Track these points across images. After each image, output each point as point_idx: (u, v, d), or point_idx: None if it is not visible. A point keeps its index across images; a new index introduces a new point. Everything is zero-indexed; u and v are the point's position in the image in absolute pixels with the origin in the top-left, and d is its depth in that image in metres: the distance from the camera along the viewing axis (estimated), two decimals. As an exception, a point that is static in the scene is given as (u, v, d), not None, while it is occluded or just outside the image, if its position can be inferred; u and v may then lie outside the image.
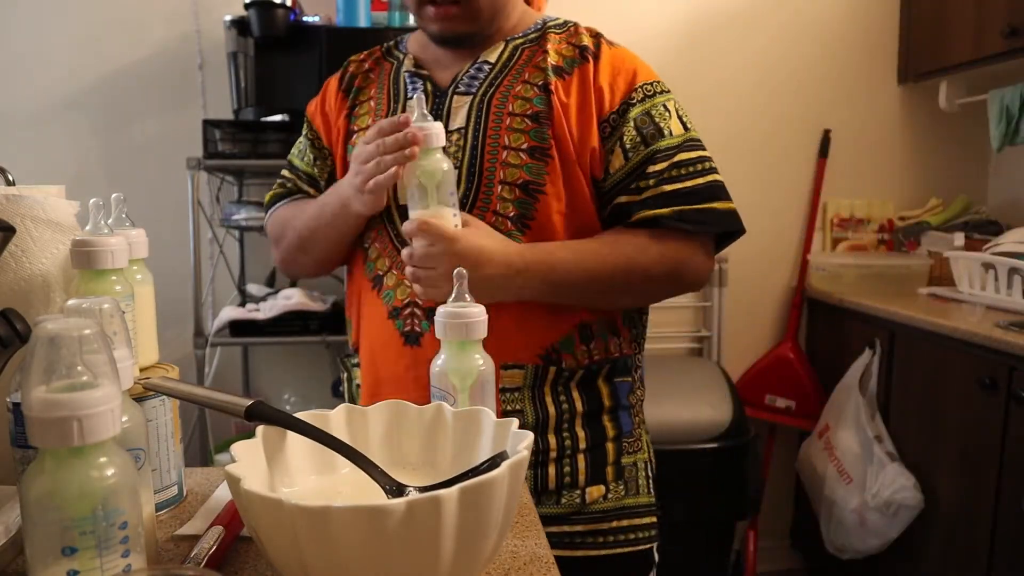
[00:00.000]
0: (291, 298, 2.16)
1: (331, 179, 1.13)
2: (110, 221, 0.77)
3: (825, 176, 2.57)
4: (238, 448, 0.59)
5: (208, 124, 2.06)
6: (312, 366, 2.46)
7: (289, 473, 0.64)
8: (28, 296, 0.72)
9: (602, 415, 1.02)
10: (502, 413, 0.95)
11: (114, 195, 0.80)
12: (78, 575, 0.46)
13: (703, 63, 2.51)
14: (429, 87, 1.05)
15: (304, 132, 1.20)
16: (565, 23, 1.07)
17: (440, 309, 0.75)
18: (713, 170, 1.00)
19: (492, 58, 1.04)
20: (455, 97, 1.03)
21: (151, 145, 2.39)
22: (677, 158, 0.98)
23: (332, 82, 1.18)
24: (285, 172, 1.22)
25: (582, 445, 0.99)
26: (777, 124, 2.56)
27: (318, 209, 1.08)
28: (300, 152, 1.19)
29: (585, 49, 1.02)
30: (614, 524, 1.00)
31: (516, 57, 1.04)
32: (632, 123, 0.99)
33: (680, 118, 1.01)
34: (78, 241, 0.69)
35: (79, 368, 0.46)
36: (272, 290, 2.32)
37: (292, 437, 0.64)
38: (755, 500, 2.20)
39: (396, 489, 0.60)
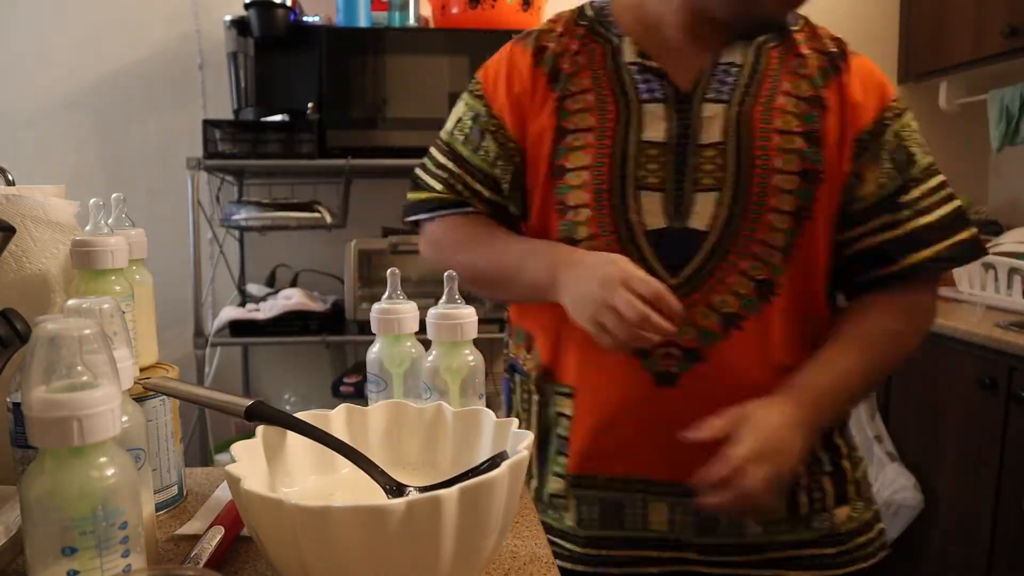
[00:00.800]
0: (291, 298, 2.17)
1: (515, 179, 0.94)
2: (110, 221, 0.77)
3: (825, 176, 2.56)
4: (238, 448, 0.59)
5: (208, 124, 2.06)
6: (312, 366, 2.46)
7: (289, 473, 0.64)
8: (28, 296, 0.72)
9: (833, 433, 0.94)
10: None
11: (114, 195, 0.80)
12: (78, 575, 0.46)
13: (703, 63, 2.51)
14: (670, 90, 0.89)
15: (475, 114, 0.96)
16: (797, 19, 0.93)
17: (431, 311, 0.74)
18: (953, 196, 0.92)
19: (737, 59, 0.89)
20: (704, 105, 0.87)
21: (151, 145, 2.39)
22: (929, 183, 0.91)
23: (523, 61, 0.94)
24: (446, 161, 0.97)
25: (827, 468, 0.92)
26: (777, 124, 2.56)
27: (514, 263, 0.91)
28: (471, 141, 0.95)
29: (835, 56, 0.90)
30: (860, 539, 0.94)
31: (765, 59, 0.89)
32: (885, 148, 0.89)
33: (918, 138, 0.92)
34: (78, 241, 0.69)
35: (79, 368, 0.46)
36: (272, 290, 2.32)
37: (292, 437, 0.64)
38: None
39: (396, 489, 0.60)
